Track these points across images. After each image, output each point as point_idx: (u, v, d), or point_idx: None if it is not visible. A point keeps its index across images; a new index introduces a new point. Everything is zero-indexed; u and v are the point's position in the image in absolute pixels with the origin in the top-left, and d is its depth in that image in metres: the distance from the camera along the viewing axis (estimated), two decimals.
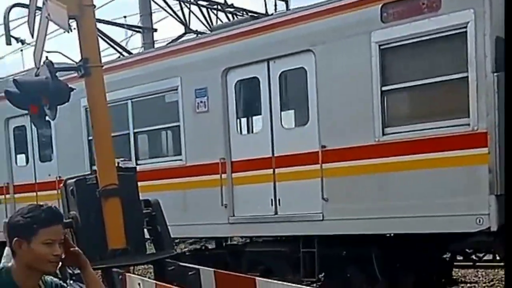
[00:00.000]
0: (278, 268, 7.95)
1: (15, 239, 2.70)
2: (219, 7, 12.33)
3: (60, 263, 2.85)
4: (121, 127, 9.77)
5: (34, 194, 11.25)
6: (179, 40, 11.18)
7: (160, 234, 5.79)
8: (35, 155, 12.09)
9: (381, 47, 6.99)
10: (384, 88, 7.01)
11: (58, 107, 5.82)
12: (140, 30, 13.08)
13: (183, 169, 8.99)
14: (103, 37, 10.93)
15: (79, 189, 5.60)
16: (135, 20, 14.03)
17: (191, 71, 8.73)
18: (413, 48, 6.87)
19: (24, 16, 6.55)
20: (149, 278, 6.13)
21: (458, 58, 6.56)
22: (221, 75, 8.30)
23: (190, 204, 8.89)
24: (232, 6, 12.38)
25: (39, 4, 6.15)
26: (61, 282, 2.98)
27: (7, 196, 12.10)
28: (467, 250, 7.98)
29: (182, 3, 12.01)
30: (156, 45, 12.48)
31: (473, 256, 8.27)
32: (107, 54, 12.79)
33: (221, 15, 12.36)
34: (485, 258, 8.39)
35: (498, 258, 8.03)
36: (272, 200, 7.95)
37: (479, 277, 9.50)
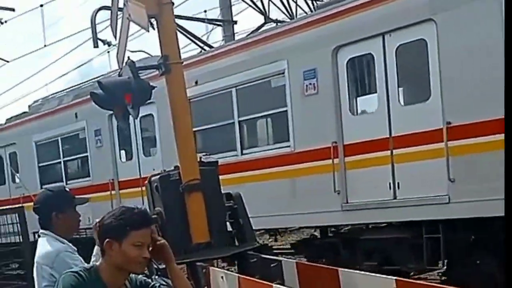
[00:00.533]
0: (398, 257, 7.46)
1: (106, 240, 2.84)
2: None
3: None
4: (225, 116, 9.79)
5: (139, 189, 11.09)
6: (284, 23, 10.83)
7: (242, 227, 5.73)
8: (139, 150, 12.16)
9: None
10: None
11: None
12: (220, 23, 13.06)
13: (291, 156, 8.79)
14: (184, 32, 11.02)
15: (163, 185, 5.71)
16: (215, 14, 14.09)
17: (299, 52, 8.42)
18: None
19: (109, 19, 6.75)
20: (232, 271, 6.12)
21: None
22: (331, 54, 7.94)
23: (299, 192, 8.66)
24: None
25: (121, 5, 6.33)
26: (145, 278, 3.11)
27: (113, 192, 12.44)
28: None
29: None
30: (236, 38, 12.28)
31: None
32: (189, 49, 13.00)
33: (301, 2, 11.85)
34: None
35: None
36: (390, 183, 7.44)
37: None
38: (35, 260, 3.84)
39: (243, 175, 9.43)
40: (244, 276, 4.88)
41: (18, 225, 8.16)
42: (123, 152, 12.75)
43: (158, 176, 5.81)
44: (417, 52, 7.35)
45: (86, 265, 3.16)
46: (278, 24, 10.63)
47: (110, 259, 2.97)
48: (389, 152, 7.48)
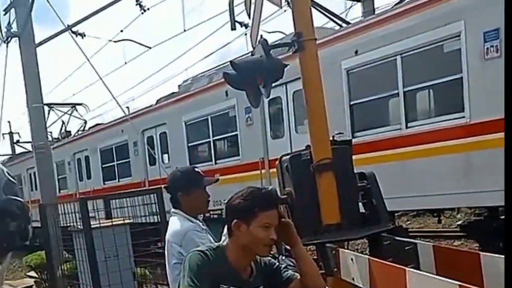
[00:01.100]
0: None
1: (234, 220, 2.97)
2: None
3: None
4: (388, 87, 9.44)
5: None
6: None
7: (375, 208, 5.52)
8: (291, 127, 11.93)
9: None
10: None
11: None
12: None
13: (465, 128, 8.27)
14: (322, 10, 10.76)
15: (293, 165, 5.64)
16: None
17: (480, 11, 7.85)
18: None
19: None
20: (363, 253, 5.91)
21: None
22: None
23: (475, 169, 8.18)
24: None
25: None
26: (270, 259, 3.20)
27: (263, 171, 12.41)
28: None
29: None
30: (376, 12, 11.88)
31: None
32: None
33: None
34: None
35: None
36: None
37: None
38: (166, 238, 3.98)
39: (407, 150, 9.12)
40: (375, 259, 4.69)
41: (157, 205, 8.56)
42: (274, 129, 12.56)
43: (288, 156, 5.76)
44: None
45: (212, 244, 3.21)
46: None
47: (238, 239, 3.00)
48: None
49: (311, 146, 5.68)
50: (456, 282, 3.32)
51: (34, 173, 23.01)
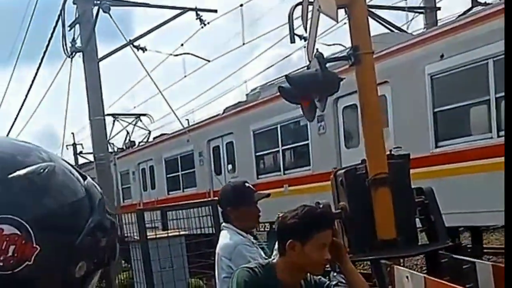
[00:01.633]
0: None
1: (289, 240, 2.92)
2: None
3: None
4: (478, 92, 9.11)
5: None
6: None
7: (433, 224, 5.39)
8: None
9: None
10: None
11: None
12: (422, 10, 12.33)
13: None
14: (382, 22, 10.60)
15: (348, 179, 5.58)
16: (416, 1, 13.42)
17: None
18: None
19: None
20: (419, 271, 5.78)
21: None
22: None
23: None
24: None
25: None
26: (320, 277, 3.19)
27: None
28: None
29: None
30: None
31: None
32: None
33: None
34: None
35: None
36: None
37: None
38: (216, 251, 3.99)
39: (498, 161, 8.68)
40: (431, 278, 4.59)
41: (212, 217, 8.60)
42: (348, 138, 12.15)
43: (343, 170, 5.70)
44: None
45: (261, 261, 3.19)
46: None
47: (291, 259, 2.95)
48: None
49: (367, 160, 5.61)
50: None
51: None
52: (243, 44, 17.98)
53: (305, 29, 6.46)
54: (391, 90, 10.45)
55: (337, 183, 5.69)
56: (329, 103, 10.97)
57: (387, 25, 11.65)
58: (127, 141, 26.94)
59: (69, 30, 14.48)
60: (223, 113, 17.26)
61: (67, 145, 38.60)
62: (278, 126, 14.03)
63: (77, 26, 14.44)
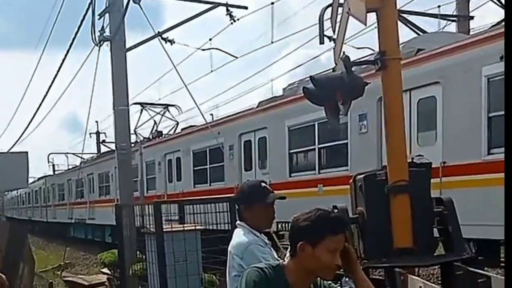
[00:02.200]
0: None
1: (300, 242, 2.91)
2: None
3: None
4: None
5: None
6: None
7: (450, 235, 5.33)
8: (413, 137, 10.90)
9: None
10: None
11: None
12: (455, 19, 12.12)
13: None
14: (413, 28, 10.48)
15: (367, 184, 5.53)
16: (449, 9, 13.18)
17: None
18: None
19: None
20: (434, 281, 5.71)
21: None
22: None
23: None
24: None
25: (341, 0, 6.25)
26: (330, 283, 3.17)
27: None
28: None
29: None
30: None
31: None
32: None
33: None
34: None
35: None
36: None
37: None
38: (229, 249, 3.97)
39: None
40: None
41: (229, 214, 8.58)
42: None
43: (363, 175, 5.65)
44: None
45: (272, 262, 3.17)
46: None
47: (301, 261, 2.93)
48: None
49: (387, 166, 5.55)
50: None
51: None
52: (272, 42, 17.94)
53: (334, 31, 6.41)
54: (442, 91, 10.14)
55: (355, 188, 5.64)
56: (374, 102, 10.96)
57: (417, 31, 11.52)
58: (154, 131, 26.74)
59: (99, 18, 14.58)
60: (257, 106, 16.77)
61: (90, 133, 38.99)
62: (316, 123, 13.49)
63: (107, 15, 14.52)
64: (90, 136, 39.32)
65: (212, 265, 9.65)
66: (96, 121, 41.85)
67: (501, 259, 9.76)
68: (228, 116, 18.55)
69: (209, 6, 15.37)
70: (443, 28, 14.23)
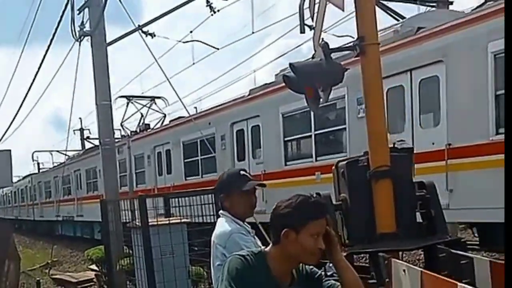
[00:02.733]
0: None
1: (284, 229, 2.91)
2: None
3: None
4: None
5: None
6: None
7: (433, 218, 5.37)
8: (415, 120, 10.67)
9: None
10: None
11: None
12: (434, 4, 12.07)
13: None
14: (392, 14, 10.46)
15: (349, 170, 5.55)
16: None
17: None
18: None
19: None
20: (421, 266, 5.73)
21: None
22: None
23: None
24: None
25: None
26: (312, 268, 3.17)
27: None
28: None
29: None
30: None
31: None
32: None
33: None
34: None
35: None
36: None
37: None
38: (212, 239, 3.96)
39: None
40: (428, 272, 4.54)
41: (214, 205, 8.55)
42: (392, 122, 10.74)
43: (345, 162, 5.66)
44: None
45: (254, 249, 3.17)
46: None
47: (285, 248, 2.94)
48: None
49: (369, 152, 5.57)
50: None
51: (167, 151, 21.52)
52: (252, 33, 17.80)
53: (312, 19, 6.39)
54: (445, 70, 9.81)
55: (338, 174, 5.66)
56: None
57: (396, 17, 11.52)
58: (141, 123, 26.30)
59: (78, 13, 14.43)
60: (249, 94, 16.24)
61: (74, 130, 38.66)
62: None
63: (86, 10, 14.38)
64: (74, 133, 38.98)
65: (199, 257, 9.63)
66: (80, 118, 41.48)
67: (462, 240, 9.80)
68: (219, 105, 18.05)
69: None
70: (425, 12, 14.21)
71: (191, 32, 17.87)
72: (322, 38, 5.90)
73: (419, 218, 5.62)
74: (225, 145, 16.83)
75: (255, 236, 4.12)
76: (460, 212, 9.37)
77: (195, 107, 26.21)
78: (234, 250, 3.35)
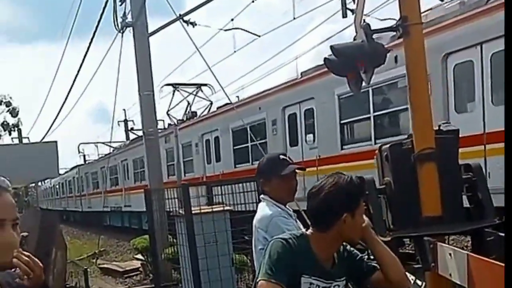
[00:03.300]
0: None
1: (344, 214, 2.89)
2: None
3: None
4: None
5: (481, 147, 9.67)
6: None
7: (480, 202, 5.20)
8: (486, 98, 10.01)
9: None
10: None
11: None
12: None
13: None
14: None
15: (393, 154, 5.43)
16: None
17: None
18: None
19: None
20: (464, 248, 5.58)
21: None
22: None
23: None
24: None
25: None
26: (353, 250, 3.17)
27: None
28: None
29: None
30: None
31: None
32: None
33: None
34: None
35: None
36: None
37: None
38: (253, 223, 3.94)
39: None
40: (474, 255, 4.41)
41: (257, 193, 8.50)
42: (459, 101, 10.55)
43: (388, 145, 5.54)
44: None
45: (296, 232, 3.14)
46: None
47: (341, 232, 2.94)
48: None
49: (413, 134, 5.43)
50: None
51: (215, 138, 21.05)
52: (294, 18, 17.66)
53: (354, 1, 6.28)
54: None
55: (382, 158, 5.54)
56: (437, 61, 10.15)
57: None
58: (188, 111, 25.91)
59: (120, 5, 14.58)
60: (301, 76, 15.52)
61: (118, 121, 39.14)
62: (370, 89, 12.25)
63: (128, 0, 14.51)
64: (118, 125, 39.45)
65: (242, 245, 9.64)
66: (124, 109, 41.98)
67: None
68: (269, 89, 17.45)
69: None
70: None
71: (232, 20, 17.85)
72: (364, 20, 5.78)
73: (466, 202, 5.46)
74: (276, 130, 16.40)
75: (297, 220, 4.07)
76: None
77: (237, 96, 26.03)
78: (275, 234, 3.31)
